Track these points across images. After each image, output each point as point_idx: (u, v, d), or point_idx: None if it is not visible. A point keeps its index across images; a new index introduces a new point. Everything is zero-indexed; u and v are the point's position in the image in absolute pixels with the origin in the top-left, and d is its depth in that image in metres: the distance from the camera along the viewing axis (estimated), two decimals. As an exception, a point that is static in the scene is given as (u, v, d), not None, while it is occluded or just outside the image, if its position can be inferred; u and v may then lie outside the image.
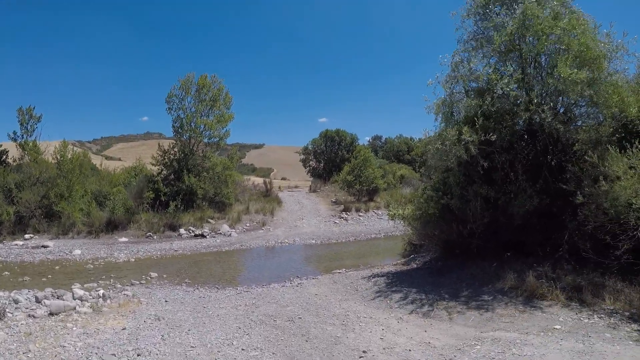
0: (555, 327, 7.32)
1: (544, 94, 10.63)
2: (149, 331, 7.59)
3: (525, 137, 11.11)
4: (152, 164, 26.51)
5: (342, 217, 27.00)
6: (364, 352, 6.65)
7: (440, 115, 11.77)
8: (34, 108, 24.86)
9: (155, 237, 21.63)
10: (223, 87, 26.61)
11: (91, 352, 6.59)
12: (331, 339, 7.23)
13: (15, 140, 24.66)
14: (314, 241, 20.32)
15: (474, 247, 10.85)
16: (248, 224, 24.23)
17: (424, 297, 9.60)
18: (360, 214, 28.41)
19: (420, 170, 41.65)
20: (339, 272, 13.13)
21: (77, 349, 6.74)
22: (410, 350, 6.77)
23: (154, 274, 13.46)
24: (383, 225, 25.04)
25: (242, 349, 6.71)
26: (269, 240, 20.55)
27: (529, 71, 10.96)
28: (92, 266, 15.05)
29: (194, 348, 6.71)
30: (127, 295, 10.74)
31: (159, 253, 17.81)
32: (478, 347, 6.91)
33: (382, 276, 11.68)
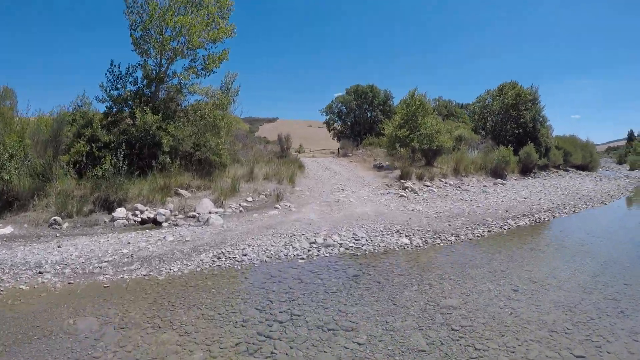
0: None
1: None
2: None
3: None
4: (98, 100, 13.18)
5: (408, 188, 13.91)
6: None
7: None
8: None
9: (65, 225, 8.60)
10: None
11: None
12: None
13: None
14: (406, 239, 6.99)
15: None
16: (250, 198, 11.05)
17: None
18: (427, 183, 15.36)
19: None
20: None
21: None
22: None
23: None
24: (489, 201, 11.88)
25: None
26: (292, 236, 7.19)
27: None
28: None
29: None
30: None
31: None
32: None
33: None
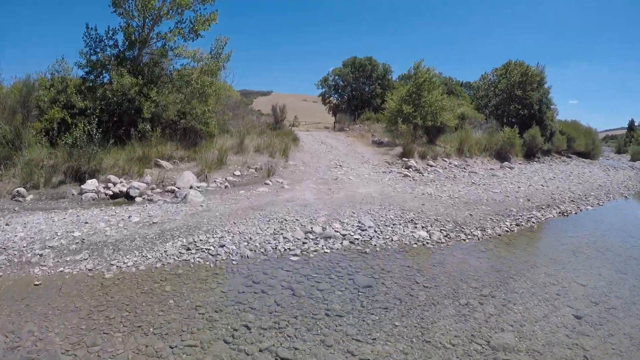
0: None
1: None
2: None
3: None
4: (78, 66, 11.34)
5: (412, 167, 12.54)
6: None
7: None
8: None
9: (29, 197, 7.18)
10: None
11: None
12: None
13: None
14: (423, 232, 5.59)
15: None
16: (238, 172, 9.55)
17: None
18: (430, 162, 13.96)
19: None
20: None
21: None
22: None
23: None
24: (504, 187, 10.53)
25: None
26: (283, 221, 5.78)
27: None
28: None
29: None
30: None
31: None
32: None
33: None
